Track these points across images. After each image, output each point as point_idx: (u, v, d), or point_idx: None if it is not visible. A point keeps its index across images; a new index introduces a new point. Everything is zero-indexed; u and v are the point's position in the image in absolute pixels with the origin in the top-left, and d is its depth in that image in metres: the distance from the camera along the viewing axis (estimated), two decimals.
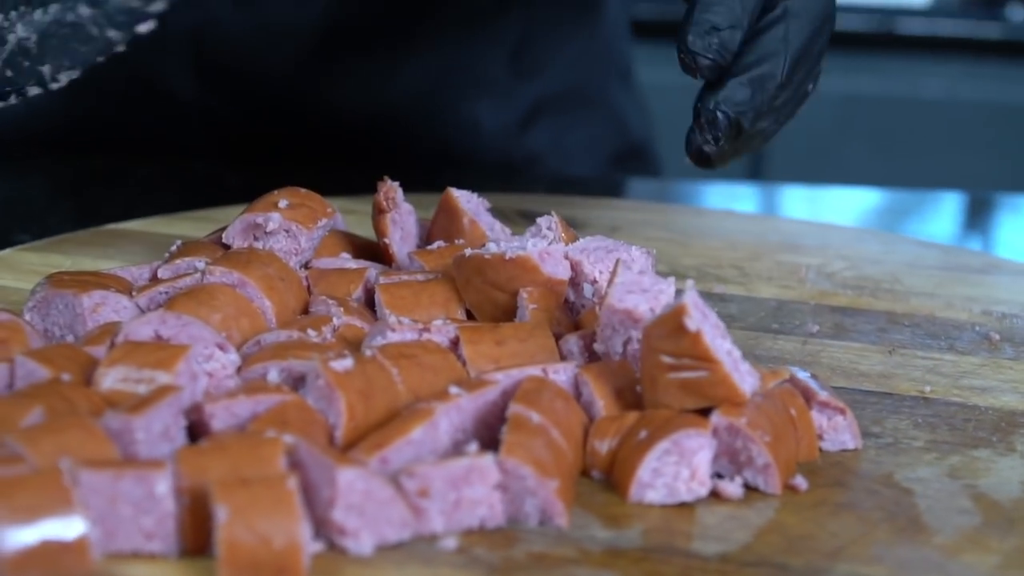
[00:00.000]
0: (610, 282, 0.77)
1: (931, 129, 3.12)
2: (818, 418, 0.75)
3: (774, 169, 3.04)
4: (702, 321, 0.70)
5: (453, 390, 0.71)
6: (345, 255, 0.94)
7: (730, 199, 1.49)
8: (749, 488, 0.70)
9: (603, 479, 0.71)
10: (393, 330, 0.77)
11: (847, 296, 1.02)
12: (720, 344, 0.71)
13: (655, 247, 0.89)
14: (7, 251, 1.01)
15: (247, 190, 1.12)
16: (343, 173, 1.29)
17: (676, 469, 0.68)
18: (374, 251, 0.97)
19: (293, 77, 1.40)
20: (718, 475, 0.71)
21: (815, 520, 0.68)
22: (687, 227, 1.20)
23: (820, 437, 0.75)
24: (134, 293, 0.83)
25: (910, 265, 1.10)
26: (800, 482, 0.71)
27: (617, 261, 0.78)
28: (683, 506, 0.69)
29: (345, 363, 0.71)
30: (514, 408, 0.69)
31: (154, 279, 0.88)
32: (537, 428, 0.69)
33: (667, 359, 0.71)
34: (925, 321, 0.97)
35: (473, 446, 0.67)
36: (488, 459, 0.65)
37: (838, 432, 0.76)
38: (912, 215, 1.53)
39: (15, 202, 1.29)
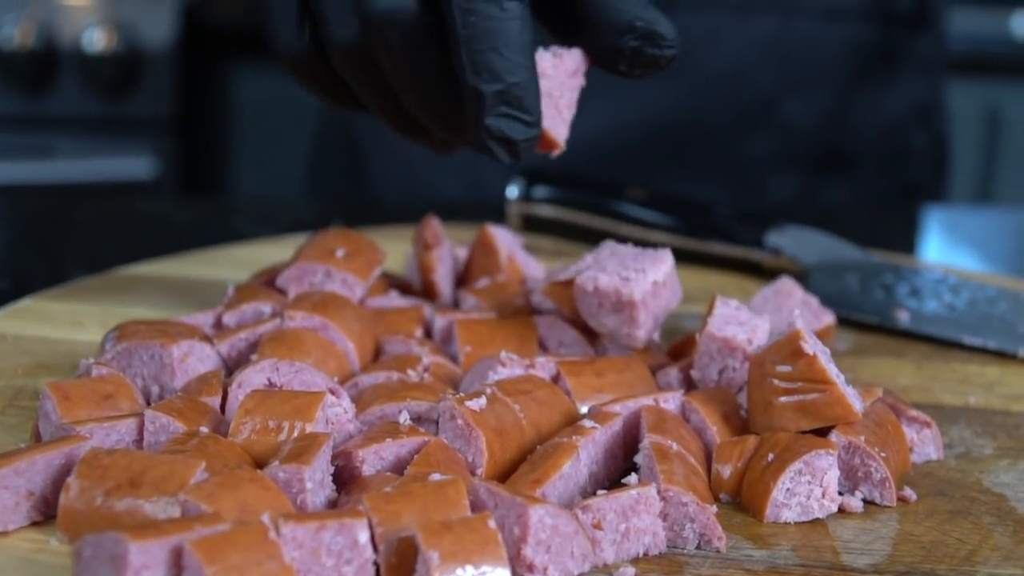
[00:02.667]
0: (708, 314, 0.80)
1: None
2: (908, 432, 0.80)
3: None
4: (815, 345, 0.74)
5: (588, 423, 0.74)
6: (393, 292, 0.95)
7: None
8: (865, 501, 0.74)
9: (730, 501, 0.74)
10: (504, 365, 0.79)
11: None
12: (830, 367, 0.75)
13: None
14: (26, 301, 0.99)
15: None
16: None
17: (809, 488, 0.72)
18: (406, 285, 0.98)
19: None
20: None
21: (937, 528, 0.72)
22: None
23: (910, 449, 0.80)
24: (215, 341, 0.83)
25: None
26: (910, 493, 0.75)
27: (714, 296, 0.81)
28: (815, 522, 0.72)
29: (480, 402, 0.73)
30: (652, 438, 0.72)
31: (218, 325, 0.88)
32: (678, 455, 0.72)
33: (780, 383, 0.75)
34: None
35: (633, 478, 0.70)
36: (653, 489, 0.68)
37: (925, 444, 0.81)
38: None
39: None
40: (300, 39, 0.81)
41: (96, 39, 2.87)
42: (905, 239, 1.50)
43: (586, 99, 1.46)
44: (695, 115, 1.54)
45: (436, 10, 0.77)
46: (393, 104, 0.82)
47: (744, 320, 0.80)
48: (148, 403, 0.80)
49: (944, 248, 1.49)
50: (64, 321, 0.95)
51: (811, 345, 0.74)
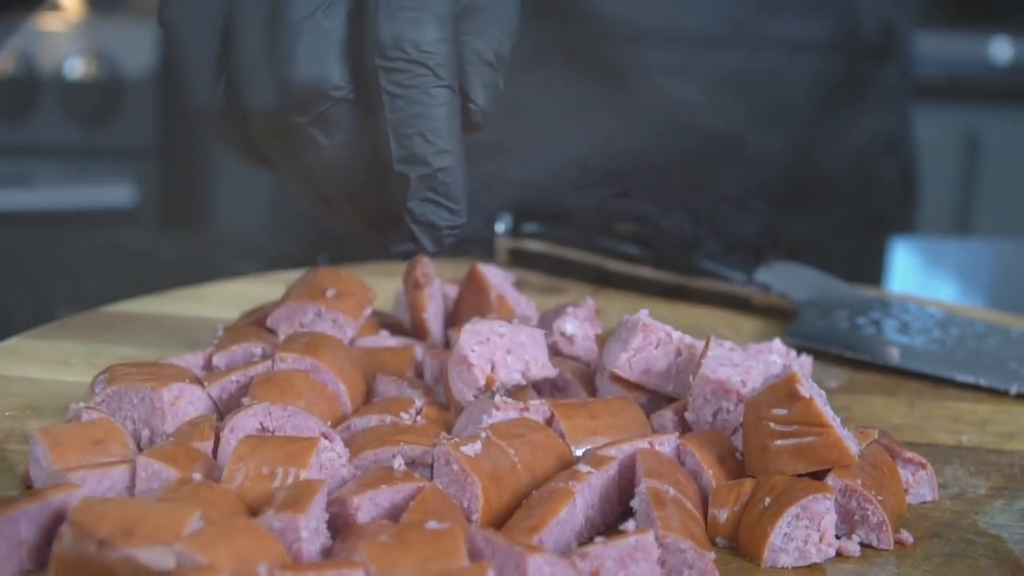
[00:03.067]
0: (702, 355, 0.80)
1: None
2: (903, 473, 0.80)
3: None
4: (810, 388, 0.74)
5: (583, 468, 0.73)
6: (384, 332, 0.94)
7: None
8: (862, 544, 0.74)
9: (727, 545, 0.74)
10: (498, 408, 0.78)
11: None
12: (827, 409, 0.74)
13: None
14: (13, 340, 0.98)
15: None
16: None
17: (806, 533, 0.72)
18: (396, 324, 0.98)
19: None
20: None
21: (935, 572, 0.72)
22: None
23: (905, 491, 0.80)
24: (206, 384, 0.82)
25: None
26: (906, 536, 0.75)
27: (708, 337, 0.81)
28: (812, 567, 0.72)
29: (475, 447, 0.72)
30: (649, 483, 0.72)
31: (208, 367, 0.87)
32: (674, 500, 0.71)
33: (776, 426, 0.74)
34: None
35: (631, 523, 0.69)
36: (650, 536, 0.68)
37: (920, 485, 0.80)
38: None
39: None
40: (213, 94, 0.79)
41: (76, 67, 2.86)
42: (878, 271, 1.51)
43: (551, 130, 1.47)
44: (661, 148, 1.54)
45: (362, 90, 0.76)
46: (308, 176, 0.81)
47: (738, 362, 0.80)
48: (138, 447, 0.79)
49: (922, 280, 1.49)
50: (51, 361, 0.95)
51: (807, 388, 0.74)
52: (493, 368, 0.81)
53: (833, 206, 1.64)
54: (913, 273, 1.52)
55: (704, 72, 1.52)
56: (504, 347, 0.82)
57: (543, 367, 0.83)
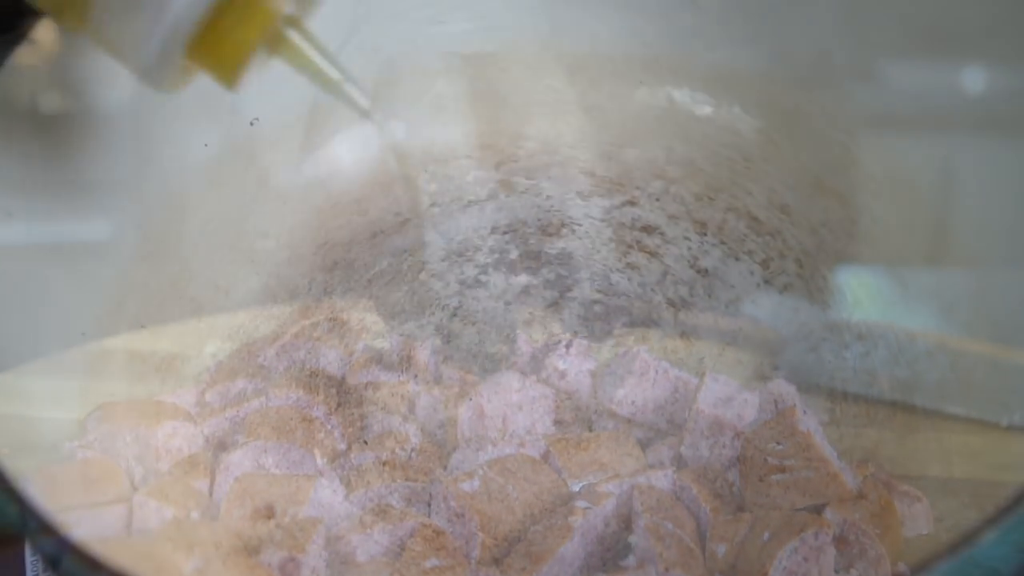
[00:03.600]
0: (698, 389, 0.80)
1: None
2: (899, 506, 0.80)
3: None
4: (808, 422, 0.74)
5: (581, 504, 0.73)
6: (376, 367, 0.94)
7: None
8: None
9: None
10: (494, 445, 0.78)
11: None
12: (824, 444, 0.75)
13: None
14: None
15: None
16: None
17: (805, 567, 0.72)
18: (388, 359, 0.97)
19: None
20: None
21: None
22: None
23: (901, 524, 0.80)
24: (199, 421, 0.82)
25: None
26: (904, 570, 0.75)
27: (704, 372, 0.81)
28: None
29: (472, 483, 0.72)
30: (647, 519, 0.72)
31: (201, 403, 0.87)
32: (673, 536, 0.71)
33: (774, 461, 0.74)
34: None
35: (631, 560, 0.69)
36: (651, 572, 0.68)
37: (916, 519, 0.80)
38: None
39: None
40: None
41: (51, 99, 2.86)
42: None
43: None
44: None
45: None
46: None
47: (733, 396, 0.80)
48: (132, 485, 0.79)
49: (898, 312, 1.49)
50: (41, 398, 0.94)
51: (805, 423, 0.74)
52: (504, 421, 0.81)
53: (764, 241, 1.63)
54: (888, 304, 1.52)
55: (626, 109, 1.52)
56: (517, 403, 0.82)
57: (547, 427, 0.84)
